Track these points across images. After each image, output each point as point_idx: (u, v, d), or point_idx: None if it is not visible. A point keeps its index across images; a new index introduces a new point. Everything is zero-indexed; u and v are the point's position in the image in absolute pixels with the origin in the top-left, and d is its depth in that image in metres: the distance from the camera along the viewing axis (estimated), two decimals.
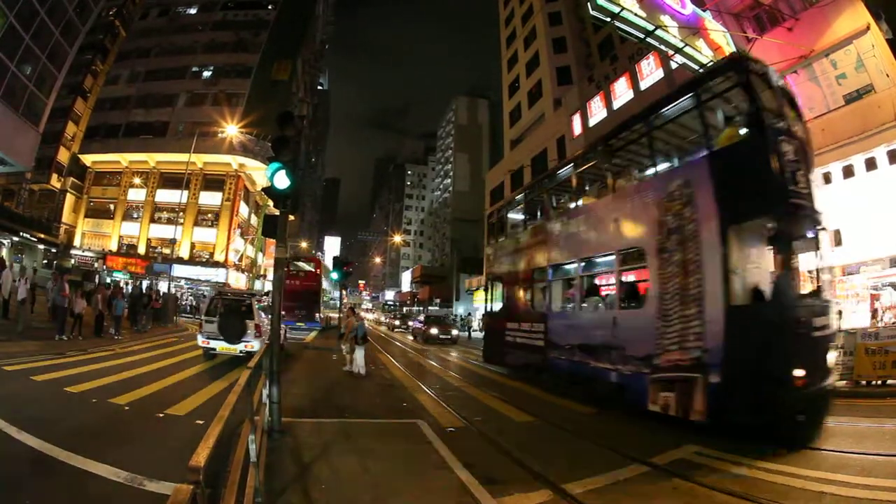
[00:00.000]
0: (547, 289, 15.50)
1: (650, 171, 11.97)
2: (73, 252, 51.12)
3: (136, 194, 53.08)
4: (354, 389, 13.15)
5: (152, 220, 52.61)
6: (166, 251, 46.28)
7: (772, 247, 8.91)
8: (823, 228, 9.09)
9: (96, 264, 50.30)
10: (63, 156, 52.16)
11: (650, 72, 29.32)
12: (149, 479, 5.55)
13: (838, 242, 15.91)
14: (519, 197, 19.52)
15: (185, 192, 44.14)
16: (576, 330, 13.25)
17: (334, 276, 32.66)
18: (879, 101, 16.77)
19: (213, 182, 52.90)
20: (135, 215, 53.05)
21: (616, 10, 17.76)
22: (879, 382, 13.02)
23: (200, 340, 16.12)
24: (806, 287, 9.18)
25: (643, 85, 29.66)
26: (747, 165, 8.74)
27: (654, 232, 10.27)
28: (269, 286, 52.67)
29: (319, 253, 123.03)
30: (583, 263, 13.43)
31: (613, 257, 12.02)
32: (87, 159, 53.72)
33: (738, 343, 8.24)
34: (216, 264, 51.25)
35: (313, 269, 37.02)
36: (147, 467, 5.81)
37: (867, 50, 17.52)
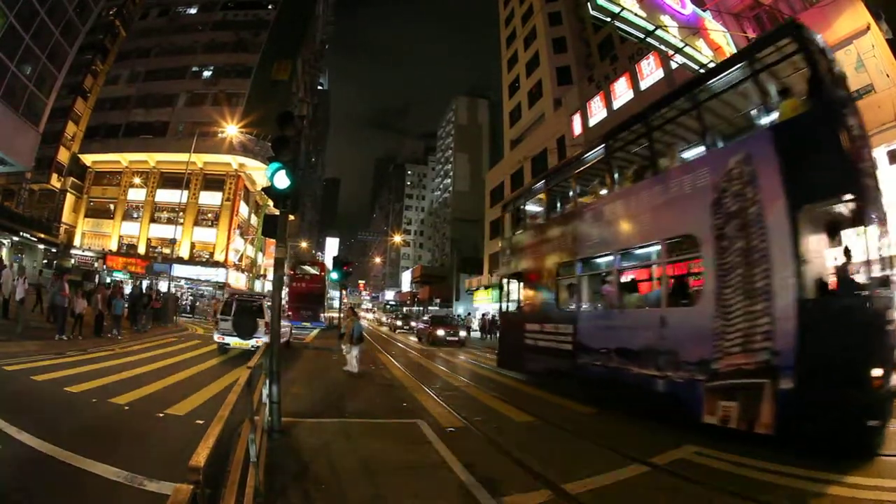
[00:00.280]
0: (575, 286, 13.90)
1: (694, 151, 11.29)
2: (73, 252, 51.14)
3: (136, 194, 53.06)
4: (354, 389, 13.13)
5: (152, 220, 52.58)
6: (166, 251, 46.29)
7: (842, 231, 8.24)
8: (885, 212, 8.34)
9: (96, 264, 50.32)
10: (63, 156, 52.24)
11: (650, 72, 29.36)
12: (149, 478, 5.55)
13: None
14: (539, 185, 17.48)
15: (185, 192, 44.20)
16: (613, 332, 11.73)
17: (334, 276, 32.68)
18: (879, 101, 16.74)
19: (213, 182, 52.89)
20: (135, 215, 53.04)
21: (616, 10, 17.76)
22: None
23: (216, 336, 18.02)
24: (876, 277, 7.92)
25: (643, 85, 29.71)
26: (817, 139, 7.88)
27: (710, 217, 9.10)
28: (269, 286, 52.74)
29: (319, 253, 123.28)
30: (620, 256, 12.05)
31: (658, 248, 10.71)
32: (87, 159, 53.74)
33: (814, 342, 7.39)
34: (216, 264, 51.25)
35: (318, 273, 40.18)
36: (147, 467, 5.82)
37: (867, 50, 17.51)
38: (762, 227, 8.14)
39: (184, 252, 50.79)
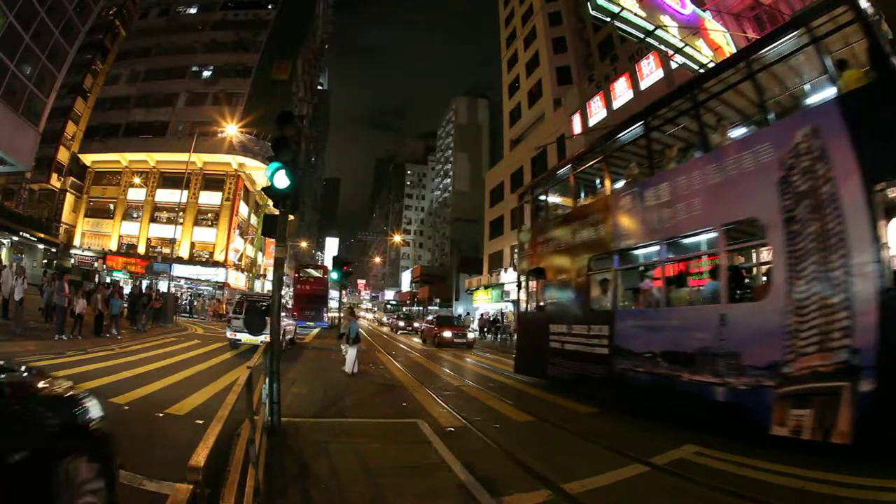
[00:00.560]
0: (610, 281, 12.39)
1: (740, 128, 10.68)
2: (72, 252, 51.33)
3: (136, 194, 53.28)
4: (354, 389, 13.12)
5: (152, 220, 52.82)
6: (166, 251, 46.40)
7: None
8: None
9: (96, 264, 50.46)
10: (63, 155, 52.41)
11: (650, 72, 29.48)
12: (148, 478, 5.53)
13: None
14: (564, 170, 15.77)
15: (185, 192, 44.35)
16: (659, 333, 10.44)
17: (334, 275, 32.88)
18: None
19: (212, 182, 53.11)
20: (135, 215, 53.26)
21: (616, 9, 17.77)
22: None
23: (229, 333, 19.60)
24: None
25: (643, 85, 29.84)
26: (891, 110, 7.19)
27: (777, 197, 8.10)
28: (269, 286, 52.82)
29: (319, 253, 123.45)
30: (667, 245, 10.67)
31: (715, 234, 9.50)
32: (87, 159, 53.95)
33: None
34: (216, 264, 51.45)
35: (321, 276, 41.51)
36: (147, 467, 5.80)
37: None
38: (837, 207, 7.38)
39: (183, 252, 51.04)
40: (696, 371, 9.13)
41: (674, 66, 23.69)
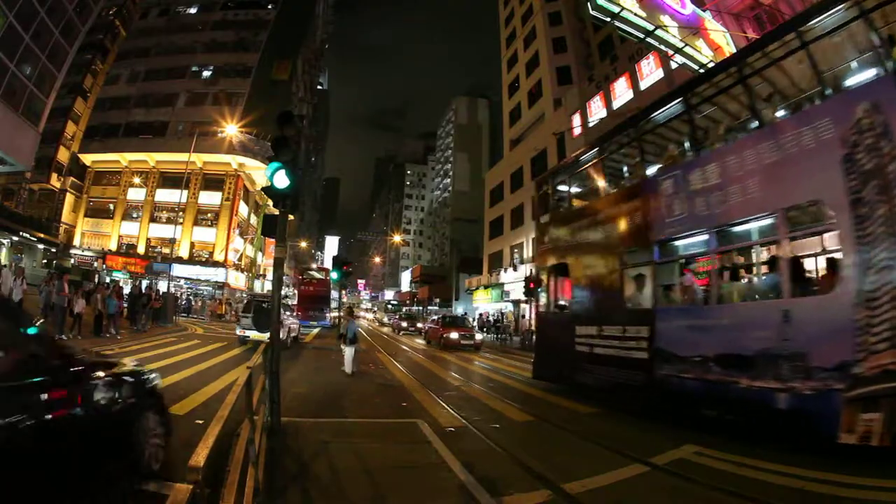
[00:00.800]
0: (648, 276, 11.30)
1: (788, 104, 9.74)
2: (72, 252, 51.36)
3: (136, 194, 53.36)
4: (354, 390, 13.12)
5: (152, 220, 52.90)
6: (166, 251, 46.46)
7: None
8: None
9: (96, 264, 50.51)
10: (63, 155, 52.41)
11: (650, 72, 29.54)
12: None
13: None
14: (588, 155, 14.32)
15: (185, 192, 44.43)
16: (711, 333, 9.27)
17: (334, 275, 33.09)
18: None
19: (212, 182, 53.20)
20: (134, 215, 53.35)
21: (616, 9, 17.75)
22: None
23: (238, 330, 22.12)
24: None
25: (643, 85, 29.87)
26: None
27: (841, 177, 7.39)
28: (268, 286, 52.89)
29: (319, 253, 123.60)
30: (716, 234, 9.49)
31: (773, 220, 8.54)
32: (87, 159, 54.02)
33: None
34: (216, 264, 51.54)
35: (324, 277, 43.33)
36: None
37: None
38: None
39: (183, 252, 51.10)
40: (755, 376, 8.08)
41: (674, 66, 23.71)
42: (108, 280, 43.26)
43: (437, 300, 73.75)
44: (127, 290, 30.04)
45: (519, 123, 55.73)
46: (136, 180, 52.76)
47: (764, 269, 9.86)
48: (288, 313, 25.38)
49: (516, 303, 47.49)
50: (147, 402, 5.61)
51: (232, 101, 53.17)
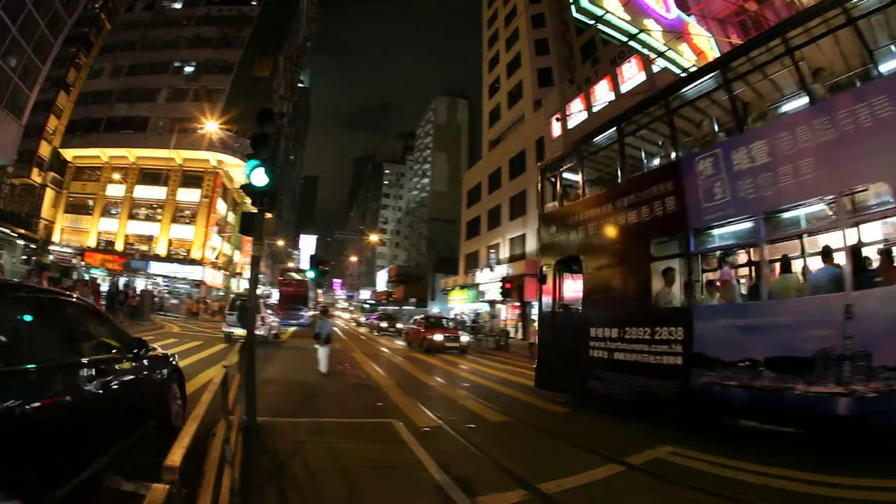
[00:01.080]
0: (680, 270, 10.10)
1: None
2: (51, 248, 50.74)
3: (115, 190, 52.88)
4: (330, 389, 13.10)
5: (130, 217, 52.55)
6: (144, 248, 46.17)
7: None
8: None
9: (74, 261, 49.93)
10: (44, 150, 51.60)
11: (632, 75, 29.71)
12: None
13: None
14: (605, 135, 12.79)
15: (164, 189, 44.24)
16: (761, 334, 8.14)
17: (311, 274, 33.27)
18: None
19: (191, 179, 52.96)
20: (113, 211, 52.86)
21: (600, 13, 17.73)
22: None
23: (224, 327, 23.95)
24: None
25: (624, 88, 30.04)
26: None
27: None
28: (245, 284, 52.65)
29: (296, 252, 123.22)
30: (764, 220, 8.44)
31: (832, 205, 7.81)
32: (68, 154, 53.42)
33: None
34: (193, 262, 51.21)
35: (302, 279, 46.13)
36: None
37: None
38: None
39: (161, 249, 50.87)
40: (813, 380, 7.23)
41: (656, 69, 23.85)
42: (86, 277, 42.85)
43: (413, 300, 73.97)
44: (105, 287, 29.73)
45: (498, 124, 55.95)
46: (116, 176, 52.26)
47: (816, 259, 8.83)
48: (269, 311, 27.32)
49: (492, 303, 47.63)
50: (173, 375, 7.64)
51: (213, 97, 52.82)
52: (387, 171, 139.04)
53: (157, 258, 50.00)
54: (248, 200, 8.67)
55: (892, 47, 8.75)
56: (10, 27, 28.63)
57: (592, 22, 17.87)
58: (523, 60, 51.22)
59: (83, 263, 49.80)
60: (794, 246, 10.06)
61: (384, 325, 46.96)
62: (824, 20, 8.04)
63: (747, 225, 8.88)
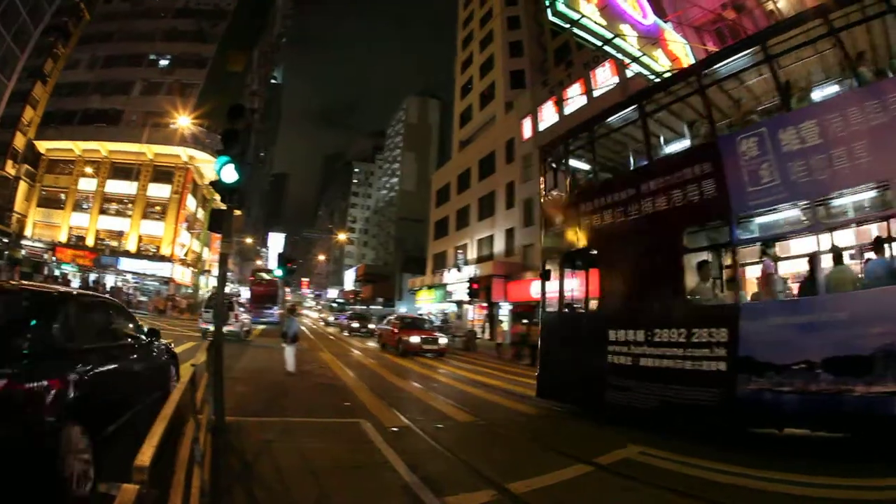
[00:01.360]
0: (716, 262, 9.65)
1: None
2: (23, 242, 49.58)
3: (87, 184, 51.99)
4: (298, 389, 13.03)
5: (101, 212, 51.66)
6: (114, 244, 45.58)
7: None
8: None
9: (46, 256, 49.06)
10: (19, 141, 50.42)
11: (605, 79, 29.89)
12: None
13: None
14: (623, 114, 11.52)
15: (136, 184, 44.02)
16: (818, 333, 7.33)
17: (279, 272, 33.14)
18: None
19: (162, 174, 52.25)
20: (84, 206, 51.93)
21: (576, 17, 17.72)
22: None
23: (200, 323, 25.78)
24: None
25: (597, 92, 30.23)
26: None
27: None
28: (213, 282, 52.26)
29: (264, 249, 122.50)
30: (819, 208, 7.86)
31: (889, 191, 7.10)
32: (42, 146, 52.30)
33: None
34: (162, 258, 50.63)
35: (272, 279, 46.80)
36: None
37: None
38: None
39: (131, 245, 50.30)
40: (873, 380, 6.59)
41: (630, 74, 24.05)
42: (56, 273, 42.20)
43: (381, 299, 74.03)
44: (75, 283, 29.31)
45: (470, 125, 56.12)
46: (89, 170, 51.42)
47: (871, 249, 8.10)
48: (242, 310, 28.47)
49: (459, 303, 47.69)
50: (172, 360, 9.54)
51: (186, 92, 52.24)
52: (356, 170, 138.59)
53: (127, 254, 49.44)
54: (218, 197, 8.53)
55: None
56: None
57: (568, 26, 17.89)
58: (497, 62, 51.45)
59: (54, 259, 48.98)
60: (840, 236, 9.01)
61: (356, 325, 44.82)
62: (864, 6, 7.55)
63: (795, 213, 8.26)
